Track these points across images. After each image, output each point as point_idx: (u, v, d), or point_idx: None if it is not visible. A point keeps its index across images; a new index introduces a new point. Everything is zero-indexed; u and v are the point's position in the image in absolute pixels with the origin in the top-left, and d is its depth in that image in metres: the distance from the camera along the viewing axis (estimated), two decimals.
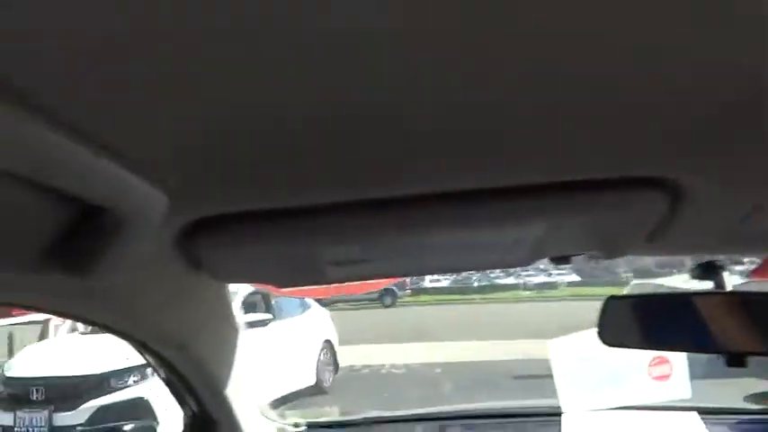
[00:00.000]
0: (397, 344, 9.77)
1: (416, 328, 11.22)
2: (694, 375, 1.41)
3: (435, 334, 10.47)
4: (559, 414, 1.36)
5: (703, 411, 1.35)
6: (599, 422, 1.31)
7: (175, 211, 0.48)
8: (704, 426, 1.27)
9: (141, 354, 0.99)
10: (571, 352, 1.44)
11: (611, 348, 0.90)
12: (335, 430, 1.54)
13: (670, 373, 1.37)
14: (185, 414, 1.22)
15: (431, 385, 6.98)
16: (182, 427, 1.25)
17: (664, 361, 1.38)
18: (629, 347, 0.99)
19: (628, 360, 1.40)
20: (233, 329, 1.04)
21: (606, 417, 1.34)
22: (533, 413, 1.54)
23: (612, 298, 0.88)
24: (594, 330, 1.51)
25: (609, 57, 0.35)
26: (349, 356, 8.67)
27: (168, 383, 1.10)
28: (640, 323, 0.84)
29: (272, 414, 1.47)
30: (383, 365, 8.32)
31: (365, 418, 1.61)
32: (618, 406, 1.36)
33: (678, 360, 1.38)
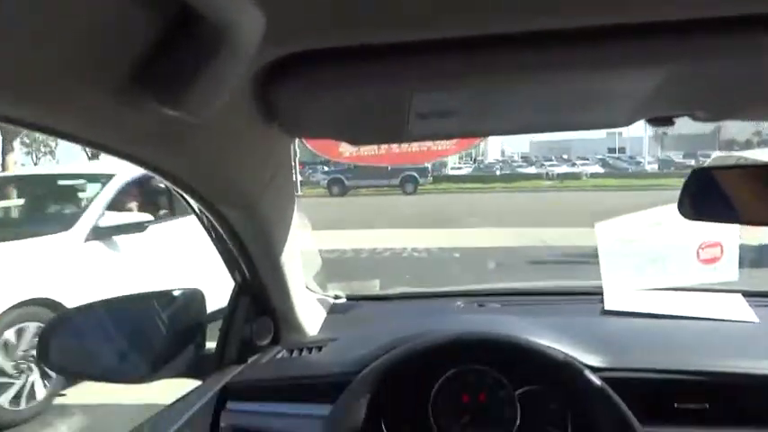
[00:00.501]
0: (419, 229, 9.93)
1: (438, 216, 11.32)
2: (743, 263, 1.39)
3: (457, 220, 10.57)
4: (601, 293, 1.37)
5: (748, 294, 1.35)
6: (641, 300, 1.31)
7: (268, 38, 0.44)
8: (748, 306, 1.26)
9: (198, 216, 0.98)
10: (618, 233, 1.42)
11: (693, 221, 0.87)
12: (374, 303, 1.57)
13: (720, 256, 1.35)
14: (235, 281, 1.24)
15: (451, 268, 7.17)
16: (231, 295, 1.29)
17: (714, 245, 1.35)
18: (711, 220, 0.95)
19: (676, 243, 1.38)
20: (292, 193, 1.02)
21: (648, 296, 1.34)
22: (574, 291, 1.55)
23: (697, 170, 0.83)
24: (641, 214, 1.49)
25: None
26: (368, 240, 8.86)
27: (223, 248, 1.11)
28: (724, 195, 0.80)
29: (314, 285, 1.50)
30: (404, 249, 8.51)
31: (403, 293, 1.64)
32: (662, 287, 1.36)
33: (730, 244, 1.35)
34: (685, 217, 0.83)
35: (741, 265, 1.38)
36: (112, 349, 1.19)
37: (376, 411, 0.98)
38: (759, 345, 1.08)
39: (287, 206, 1.05)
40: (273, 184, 0.89)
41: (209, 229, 1.07)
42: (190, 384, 1.20)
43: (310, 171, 25.77)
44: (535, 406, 1.06)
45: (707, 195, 0.80)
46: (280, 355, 1.24)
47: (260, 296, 1.23)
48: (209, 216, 0.93)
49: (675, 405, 0.98)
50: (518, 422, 1.05)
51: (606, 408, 0.85)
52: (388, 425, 1.09)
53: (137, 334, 1.20)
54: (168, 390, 1.20)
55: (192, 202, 0.87)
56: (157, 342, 1.17)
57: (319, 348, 1.22)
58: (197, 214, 0.99)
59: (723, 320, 1.21)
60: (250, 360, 1.24)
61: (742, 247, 1.41)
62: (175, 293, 1.21)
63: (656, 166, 31.61)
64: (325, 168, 23.87)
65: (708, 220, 0.94)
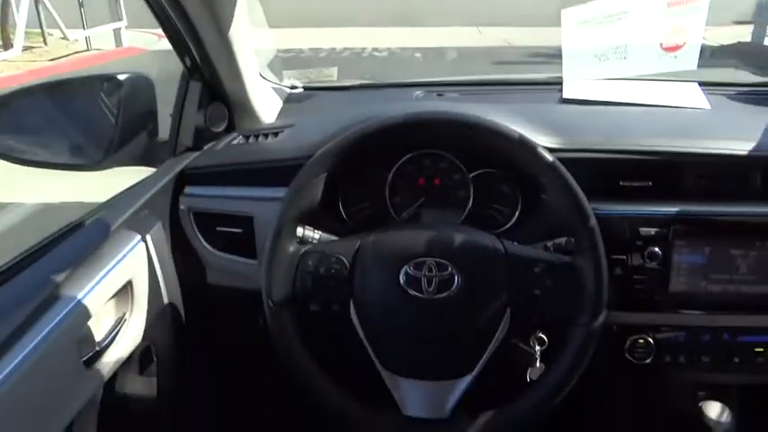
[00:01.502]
0: (378, 28, 9.49)
1: (398, 12, 10.74)
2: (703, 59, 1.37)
3: (419, 19, 10.09)
4: (560, 83, 1.35)
5: (704, 84, 1.36)
6: (599, 89, 1.31)
7: None
8: (703, 95, 1.28)
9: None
10: (583, 19, 1.37)
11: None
12: (332, 92, 1.53)
13: (682, 44, 1.32)
14: (185, 65, 1.18)
15: (412, 65, 7.03)
16: (180, 80, 1.23)
17: (679, 32, 1.32)
18: None
19: (641, 31, 1.34)
20: None
21: (607, 85, 1.33)
22: (534, 82, 1.53)
23: None
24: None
25: None
26: (327, 39, 8.47)
27: (172, 30, 1.04)
28: None
29: (270, 74, 1.44)
30: (364, 49, 8.20)
31: (362, 83, 1.59)
32: (621, 76, 1.35)
33: (694, 32, 1.32)
34: None
35: (700, 62, 1.37)
36: (59, 135, 1.15)
37: (332, 191, 1.00)
38: (706, 128, 1.11)
39: None
40: None
41: (158, 9, 0.99)
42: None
43: None
44: (488, 188, 1.10)
45: None
46: (236, 141, 1.23)
47: (211, 81, 1.18)
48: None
49: (621, 183, 1.03)
50: (471, 203, 1.09)
51: (555, 182, 0.88)
52: (345, 205, 1.13)
53: (84, 119, 1.16)
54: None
55: None
56: (107, 128, 1.13)
57: (276, 134, 1.20)
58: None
59: (677, 107, 1.23)
60: (206, 146, 1.23)
61: (703, 47, 1.38)
62: (120, 78, 1.15)
63: None
64: None
65: None
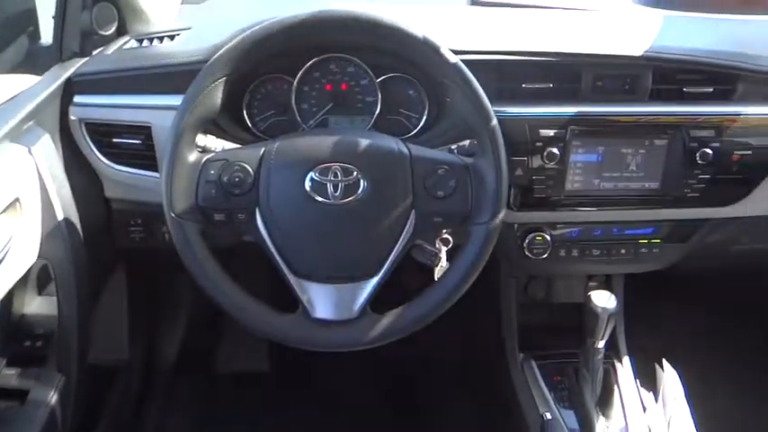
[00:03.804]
0: None
1: None
2: None
3: None
4: None
5: None
6: None
7: None
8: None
9: None
10: None
11: None
12: None
13: None
14: None
15: None
16: None
17: None
18: None
19: None
20: None
21: None
22: None
23: None
24: None
25: None
26: None
27: None
28: None
29: None
30: None
31: None
32: None
33: None
34: None
35: None
36: None
37: (235, 97, 0.96)
38: (604, 31, 1.14)
39: None
40: None
41: None
42: None
43: None
44: (396, 93, 1.09)
45: None
46: (128, 46, 1.14)
47: None
48: None
49: (523, 85, 1.05)
50: (379, 109, 1.09)
51: (458, 83, 0.89)
52: (250, 113, 1.09)
53: None
54: None
55: None
56: None
57: (171, 37, 1.13)
58: None
59: (585, 10, 1.25)
60: (95, 52, 1.14)
61: None
62: None
63: None
64: None
65: None
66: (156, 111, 1.04)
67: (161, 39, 1.13)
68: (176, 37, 1.13)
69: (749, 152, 1.07)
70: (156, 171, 1.06)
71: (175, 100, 0.94)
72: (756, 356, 1.77)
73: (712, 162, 1.05)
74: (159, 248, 1.13)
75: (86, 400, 1.11)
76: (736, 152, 1.07)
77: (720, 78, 1.08)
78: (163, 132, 1.01)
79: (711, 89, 1.08)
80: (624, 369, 1.30)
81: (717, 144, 1.05)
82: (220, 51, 0.89)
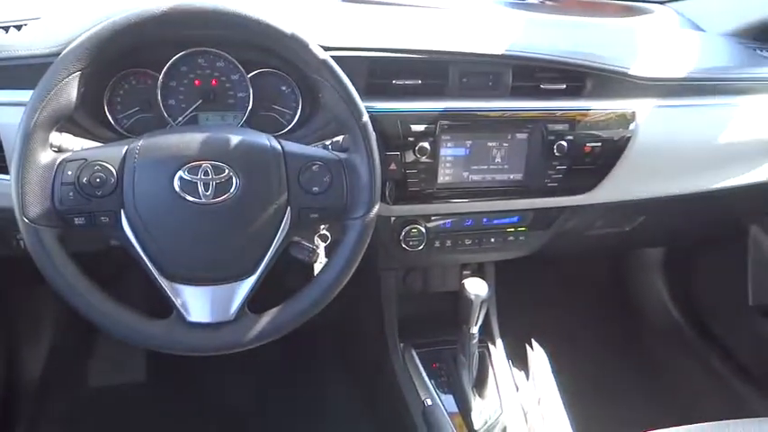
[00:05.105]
0: None
1: None
2: None
3: None
4: None
5: None
6: None
7: None
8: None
9: None
10: None
11: None
12: None
13: None
14: None
15: None
16: None
17: None
18: None
19: None
20: None
21: None
22: None
23: None
24: None
25: None
26: None
27: None
28: None
29: None
30: None
31: None
32: None
33: None
34: None
35: None
36: None
37: (94, 93, 0.90)
38: (471, 30, 1.19)
39: None
40: None
41: None
42: None
43: None
44: (269, 89, 1.08)
45: None
46: None
47: None
48: None
49: (394, 82, 1.08)
50: (251, 105, 1.06)
51: (329, 80, 0.89)
52: (112, 109, 1.03)
53: None
54: None
55: None
56: None
57: (18, 27, 1.03)
58: None
59: (452, 8, 1.30)
60: None
61: None
62: None
63: None
64: None
65: None
66: (3, 108, 0.95)
67: (6, 29, 1.03)
68: (24, 27, 1.03)
69: (599, 144, 1.17)
70: (7, 173, 0.97)
71: (25, 96, 0.86)
72: (616, 329, 1.95)
73: (567, 154, 1.14)
74: (15, 257, 1.03)
75: None
76: (587, 144, 1.16)
77: (572, 76, 1.16)
78: (11, 131, 0.93)
79: (564, 86, 1.16)
80: (498, 351, 1.38)
81: (571, 137, 1.14)
82: (74, 43, 0.83)
